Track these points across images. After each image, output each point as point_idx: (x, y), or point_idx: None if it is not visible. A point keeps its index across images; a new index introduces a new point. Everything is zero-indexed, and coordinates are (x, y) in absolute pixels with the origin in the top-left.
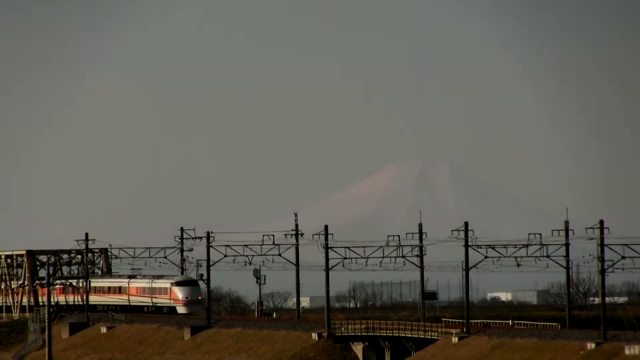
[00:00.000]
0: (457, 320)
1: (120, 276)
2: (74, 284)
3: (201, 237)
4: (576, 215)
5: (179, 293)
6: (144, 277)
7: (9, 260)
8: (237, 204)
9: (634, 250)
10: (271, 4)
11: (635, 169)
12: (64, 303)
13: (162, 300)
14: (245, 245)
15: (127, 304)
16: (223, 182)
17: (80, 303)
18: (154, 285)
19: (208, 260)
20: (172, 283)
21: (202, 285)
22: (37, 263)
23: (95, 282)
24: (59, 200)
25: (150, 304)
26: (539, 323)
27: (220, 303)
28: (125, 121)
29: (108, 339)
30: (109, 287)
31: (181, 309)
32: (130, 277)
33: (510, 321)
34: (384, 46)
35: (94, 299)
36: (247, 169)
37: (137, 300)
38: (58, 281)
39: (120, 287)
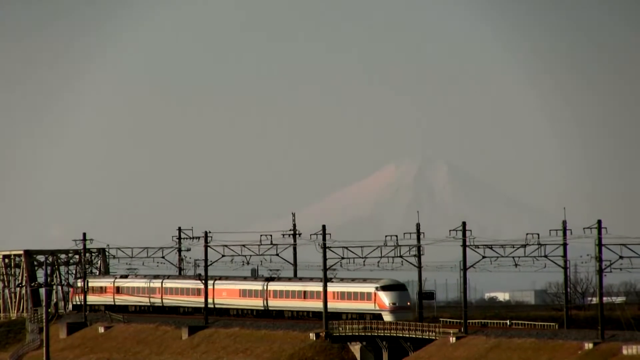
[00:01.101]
0: (454, 320)
1: (312, 279)
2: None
3: (199, 237)
4: (574, 215)
5: (386, 299)
6: (342, 280)
7: (6, 260)
8: (235, 204)
9: (631, 250)
10: (271, 3)
11: (633, 169)
12: (247, 307)
13: (364, 307)
14: (243, 245)
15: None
16: (221, 181)
17: (261, 308)
18: (355, 289)
19: (206, 260)
20: (377, 287)
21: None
22: (35, 263)
23: (286, 286)
24: (57, 200)
25: (351, 311)
26: (536, 323)
27: None
28: (123, 121)
29: (106, 339)
30: (304, 292)
31: (388, 317)
32: (327, 280)
33: (507, 321)
34: (383, 46)
35: (279, 303)
36: (246, 169)
37: (335, 306)
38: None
39: (315, 292)
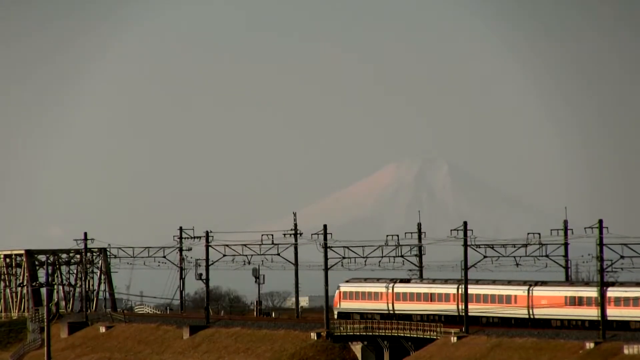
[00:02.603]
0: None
1: (587, 284)
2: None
3: (200, 237)
4: (575, 215)
5: None
6: None
7: (7, 260)
8: (236, 204)
9: (633, 249)
10: (272, 3)
11: (634, 169)
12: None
13: None
14: (244, 245)
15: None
16: (222, 181)
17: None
18: None
19: (207, 259)
20: None
21: None
22: (36, 263)
23: (554, 291)
24: (58, 200)
25: None
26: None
27: (219, 303)
28: (123, 121)
29: (107, 339)
30: (573, 298)
31: None
32: (608, 284)
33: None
34: (384, 47)
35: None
36: (247, 169)
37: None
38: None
39: (585, 297)
